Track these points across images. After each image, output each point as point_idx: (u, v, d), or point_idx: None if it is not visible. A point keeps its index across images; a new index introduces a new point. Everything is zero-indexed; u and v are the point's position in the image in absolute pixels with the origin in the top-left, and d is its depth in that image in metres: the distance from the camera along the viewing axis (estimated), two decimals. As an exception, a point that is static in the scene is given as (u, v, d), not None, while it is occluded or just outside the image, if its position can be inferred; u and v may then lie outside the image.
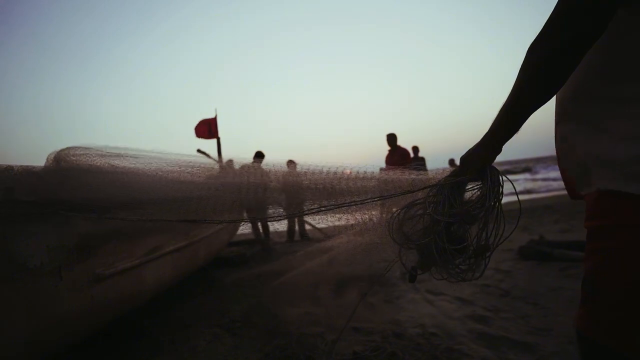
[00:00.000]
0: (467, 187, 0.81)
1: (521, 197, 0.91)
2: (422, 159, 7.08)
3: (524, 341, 1.70)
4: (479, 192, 0.79)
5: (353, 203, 1.05)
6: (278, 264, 4.02)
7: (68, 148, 1.33)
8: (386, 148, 5.90)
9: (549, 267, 2.97)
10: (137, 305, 1.92)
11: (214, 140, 5.65)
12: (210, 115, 5.72)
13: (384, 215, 1.10)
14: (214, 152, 5.32)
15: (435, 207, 0.81)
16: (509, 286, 2.61)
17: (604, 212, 0.64)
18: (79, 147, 1.35)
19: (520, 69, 0.66)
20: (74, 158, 1.30)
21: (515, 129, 0.70)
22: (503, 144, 0.73)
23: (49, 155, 1.28)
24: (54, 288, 1.29)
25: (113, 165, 1.36)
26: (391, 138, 5.81)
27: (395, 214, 0.89)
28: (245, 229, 5.22)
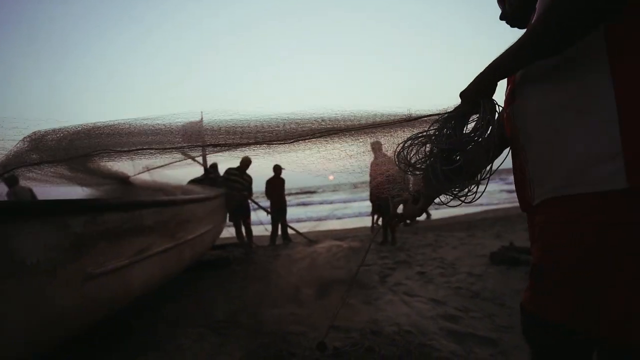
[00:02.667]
0: (470, 120, 0.88)
1: (496, 206, 1.02)
2: None
3: (488, 337, 1.86)
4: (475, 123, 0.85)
5: (366, 127, 1.18)
6: (261, 267, 4.10)
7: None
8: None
9: (517, 271, 3.18)
10: (126, 304, 1.96)
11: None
12: (197, 118, 5.74)
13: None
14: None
15: (437, 138, 0.91)
16: (479, 288, 2.79)
17: (560, 209, 0.72)
18: None
19: (533, 22, 0.72)
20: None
21: (512, 71, 0.78)
22: (497, 81, 0.80)
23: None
24: (49, 285, 1.35)
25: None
26: (376, 145, 5.95)
27: (400, 145, 0.99)
28: (228, 231, 5.26)
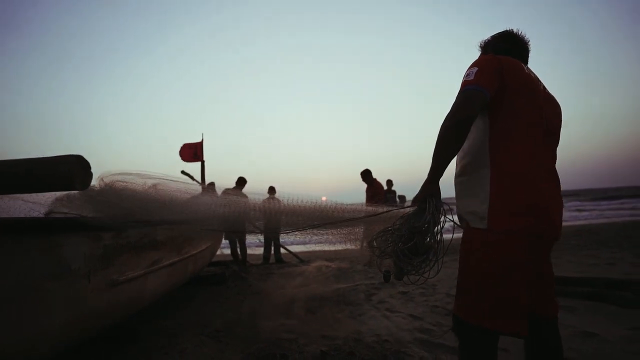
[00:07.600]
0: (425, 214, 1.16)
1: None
2: (394, 192, 7.75)
3: (456, 347, 2.13)
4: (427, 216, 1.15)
5: (338, 222, 1.55)
6: (254, 284, 4.33)
7: (111, 173, 1.82)
8: (360, 182, 6.35)
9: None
10: (139, 310, 2.21)
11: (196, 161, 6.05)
12: (197, 139, 6.10)
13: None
14: (197, 174, 5.66)
15: (399, 229, 1.21)
16: (454, 307, 3.07)
17: (465, 237, 1.14)
18: (119, 173, 1.84)
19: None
20: (118, 179, 1.80)
21: (439, 174, 1.12)
22: (435, 183, 1.13)
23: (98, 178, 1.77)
24: (85, 288, 1.62)
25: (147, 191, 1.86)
26: (365, 175, 6.27)
27: (374, 235, 1.31)
28: (224, 247, 5.48)
